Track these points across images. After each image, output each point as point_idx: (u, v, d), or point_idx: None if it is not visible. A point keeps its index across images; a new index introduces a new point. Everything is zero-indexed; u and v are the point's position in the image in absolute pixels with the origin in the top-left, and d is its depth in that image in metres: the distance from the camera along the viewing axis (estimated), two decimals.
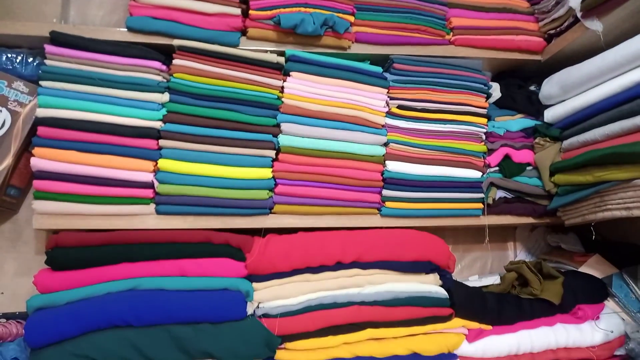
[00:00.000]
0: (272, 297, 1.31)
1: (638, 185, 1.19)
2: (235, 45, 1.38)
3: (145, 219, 1.30)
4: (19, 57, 1.34)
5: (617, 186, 1.25)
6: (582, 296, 1.43)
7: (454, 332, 1.35)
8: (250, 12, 1.38)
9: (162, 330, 1.21)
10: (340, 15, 1.43)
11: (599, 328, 1.39)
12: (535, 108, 1.54)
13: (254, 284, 1.31)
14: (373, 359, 1.29)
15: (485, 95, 1.52)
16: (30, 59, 1.35)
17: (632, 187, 1.21)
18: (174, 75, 1.32)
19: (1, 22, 1.27)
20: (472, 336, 1.34)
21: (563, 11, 1.47)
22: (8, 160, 1.28)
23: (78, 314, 1.19)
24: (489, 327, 1.36)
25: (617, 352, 1.40)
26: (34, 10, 1.38)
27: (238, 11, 1.37)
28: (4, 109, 1.28)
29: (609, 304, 1.45)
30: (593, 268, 1.52)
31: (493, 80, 1.63)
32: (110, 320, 1.19)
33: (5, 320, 1.27)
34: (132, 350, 1.18)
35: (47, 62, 1.25)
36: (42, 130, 1.23)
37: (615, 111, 1.25)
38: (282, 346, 1.27)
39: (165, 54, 1.34)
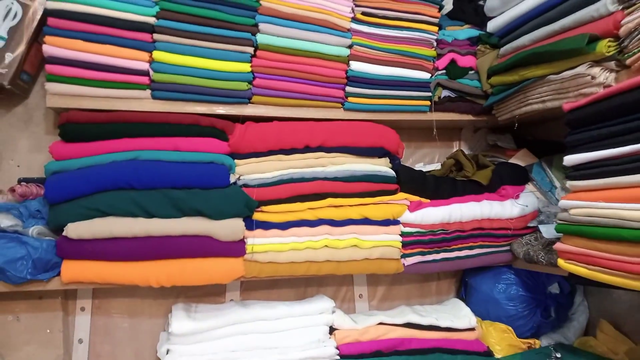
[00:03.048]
0: (250, 171, 1.57)
1: (550, 80, 1.46)
2: None
3: (142, 102, 1.52)
4: None
5: (535, 82, 1.52)
6: (507, 179, 1.74)
7: (398, 203, 1.65)
8: None
9: (159, 192, 1.47)
10: None
11: (517, 204, 1.70)
12: (480, 19, 1.77)
13: (236, 160, 1.57)
14: (332, 221, 1.59)
15: (438, 7, 1.74)
16: None
17: (546, 82, 1.48)
18: None
19: None
20: (413, 207, 1.64)
21: None
22: (22, 48, 1.47)
23: (89, 177, 1.44)
24: (427, 201, 1.66)
25: (531, 224, 1.72)
26: None
27: None
28: (15, 2, 1.46)
29: (529, 186, 1.76)
30: (520, 159, 1.82)
31: None
32: (116, 183, 1.45)
33: (26, 183, 1.51)
34: (135, 206, 1.44)
35: None
36: (51, 20, 1.42)
37: (540, 19, 1.50)
38: (259, 209, 1.55)
39: None
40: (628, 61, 1.24)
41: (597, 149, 1.27)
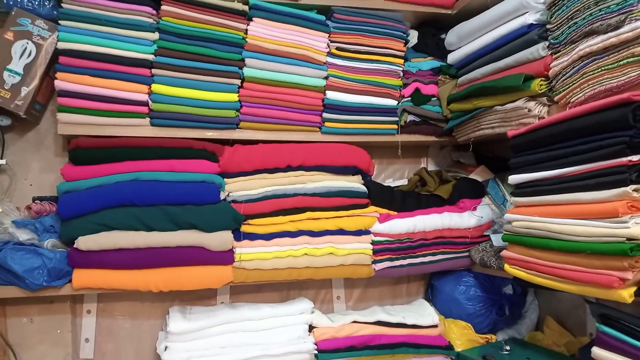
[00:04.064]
0: (238, 188, 1.78)
1: (497, 110, 1.69)
2: None
3: (142, 129, 1.73)
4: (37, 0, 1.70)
5: (486, 111, 1.76)
6: (466, 193, 1.97)
7: (369, 215, 1.87)
8: None
9: (158, 208, 1.67)
10: None
11: (474, 215, 1.93)
12: (441, 52, 2.00)
13: (225, 179, 1.78)
14: (311, 232, 1.80)
15: (404, 41, 1.97)
16: (46, 2, 1.71)
17: (494, 111, 1.71)
18: (162, 18, 1.71)
19: None
20: (382, 218, 1.86)
21: None
22: (35, 82, 1.67)
23: (96, 195, 1.64)
24: (395, 213, 1.88)
25: (486, 233, 1.95)
26: None
27: None
28: (30, 42, 1.66)
29: (485, 199, 1.99)
30: (478, 175, 2.05)
31: (415, 28, 2.07)
32: (119, 201, 1.65)
33: (39, 201, 1.71)
34: (136, 221, 1.64)
35: (64, 5, 1.62)
36: (62, 59, 1.63)
37: (488, 56, 1.73)
38: (246, 222, 1.76)
39: (154, 1, 1.71)
40: (556, 98, 1.48)
41: (533, 171, 1.49)
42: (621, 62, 1.25)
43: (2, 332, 1.71)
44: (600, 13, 1.29)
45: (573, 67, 1.40)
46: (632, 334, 1.30)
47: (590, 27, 1.32)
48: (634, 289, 1.22)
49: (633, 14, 1.20)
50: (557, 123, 1.41)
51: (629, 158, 1.19)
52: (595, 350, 1.38)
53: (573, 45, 1.39)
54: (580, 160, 1.33)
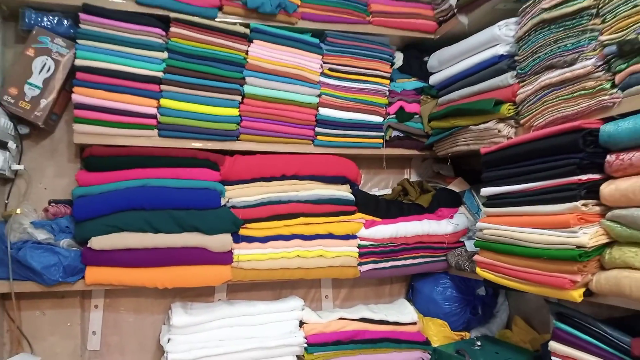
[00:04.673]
0: (238, 195, 1.95)
1: (472, 129, 1.89)
2: (214, 18, 1.93)
3: (151, 140, 1.89)
4: (56, 19, 1.85)
5: (462, 130, 1.95)
6: (444, 203, 2.16)
7: (356, 221, 2.05)
8: None
9: (164, 212, 1.84)
10: None
11: (451, 223, 2.12)
12: (424, 74, 2.19)
13: (226, 187, 1.94)
14: (303, 236, 1.98)
15: (390, 64, 2.16)
16: (64, 21, 1.86)
17: (469, 130, 1.91)
18: (171, 39, 1.87)
19: None
20: (368, 224, 2.04)
21: (447, 5, 2.07)
22: (53, 95, 1.82)
23: (108, 200, 1.80)
24: (379, 220, 2.07)
25: (461, 239, 2.14)
26: None
27: None
28: (49, 58, 1.81)
29: (462, 208, 2.18)
30: (456, 186, 2.25)
31: (401, 51, 2.26)
32: (129, 205, 1.81)
33: (55, 204, 1.86)
34: (145, 223, 1.81)
35: (81, 26, 1.78)
36: (79, 74, 1.78)
37: (465, 80, 1.93)
38: (244, 226, 1.93)
39: (164, 22, 1.88)
40: (522, 121, 1.68)
41: (502, 185, 1.68)
42: (575, 94, 1.45)
43: (18, 324, 1.86)
44: (558, 50, 1.49)
45: (536, 95, 1.59)
46: (583, 330, 1.48)
47: (550, 61, 1.51)
48: (583, 289, 1.42)
49: (584, 53, 1.40)
50: (521, 143, 1.60)
51: (579, 177, 1.38)
52: (552, 344, 1.56)
53: (536, 76, 1.59)
54: (539, 177, 1.52)
